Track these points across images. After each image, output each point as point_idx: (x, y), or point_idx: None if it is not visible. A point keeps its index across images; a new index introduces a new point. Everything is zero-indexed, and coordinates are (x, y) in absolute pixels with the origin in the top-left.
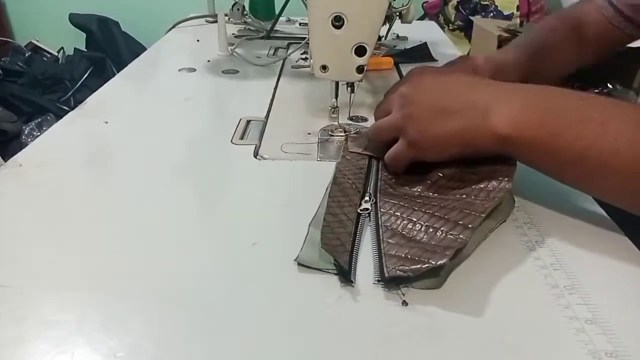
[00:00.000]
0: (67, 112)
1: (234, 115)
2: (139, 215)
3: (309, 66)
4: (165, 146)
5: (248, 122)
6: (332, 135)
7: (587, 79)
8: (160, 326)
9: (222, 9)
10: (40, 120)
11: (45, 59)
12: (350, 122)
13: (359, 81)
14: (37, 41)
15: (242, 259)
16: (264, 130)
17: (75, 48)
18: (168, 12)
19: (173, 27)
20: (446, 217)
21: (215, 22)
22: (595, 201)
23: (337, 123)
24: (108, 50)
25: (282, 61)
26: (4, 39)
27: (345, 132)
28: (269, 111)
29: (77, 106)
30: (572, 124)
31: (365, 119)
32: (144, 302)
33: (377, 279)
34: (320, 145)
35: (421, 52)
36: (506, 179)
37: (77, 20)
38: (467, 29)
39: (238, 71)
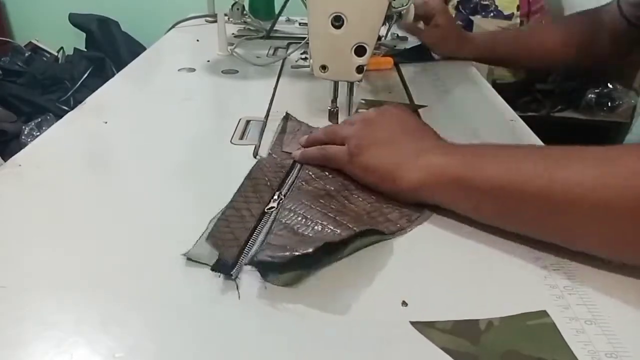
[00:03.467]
0: (66, 112)
1: (233, 115)
2: (139, 215)
3: (308, 66)
4: (165, 146)
5: (248, 122)
6: None
7: (587, 79)
8: (159, 326)
9: (222, 9)
10: (40, 120)
11: (45, 59)
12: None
13: (358, 81)
14: (37, 41)
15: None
16: (263, 130)
17: (75, 48)
18: (168, 12)
19: (173, 27)
20: (337, 218)
21: (215, 22)
22: None
23: (336, 123)
24: (108, 50)
25: (281, 61)
26: (4, 39)
27: None
28: (268, 111)
29: (76, 106)
30: (488, 161)
31: None
32: (144, 303)
33: (245, 263)
34: None
35: (421, 52)
36: (414, 222)
37: (77, 20)
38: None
39: (238, 71)
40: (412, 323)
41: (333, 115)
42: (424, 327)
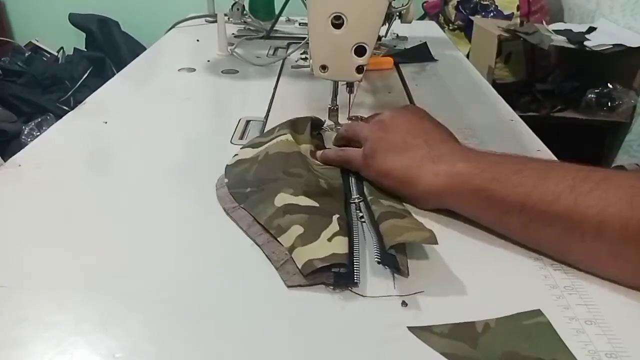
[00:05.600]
0: (66, 112)
1: (233, 115)
2: (139, 215)
3: (308, 66)
4: (165, 146)
5: (248, 122)
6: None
7: (587, 79)
8: (159, 327)
9: (222, 9)
10: (40, 120)
11: (45, 59)
12: (350, 122)
13: (358, 81)
14: (37, 41)
15: (241, 259)
16: (263, 130)
17: (75, 48)
18: (168, 12)
19: (173, 27)
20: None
21: (215, 22)
22: None
23: (336, 122)
24: (108, 50)
25: (281, 61)
26: (4, 39)
27: None
28: (268, 111)
29: (76, 106)
30: (511, 174)
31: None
32: (143, 303)
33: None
34: None
35: (421, 52)
36: None
37: (77, 20)
38: (467, 29)
39: (238, 71)
40: (410, 328)
41: (333, 115)
42: (422, 332)
